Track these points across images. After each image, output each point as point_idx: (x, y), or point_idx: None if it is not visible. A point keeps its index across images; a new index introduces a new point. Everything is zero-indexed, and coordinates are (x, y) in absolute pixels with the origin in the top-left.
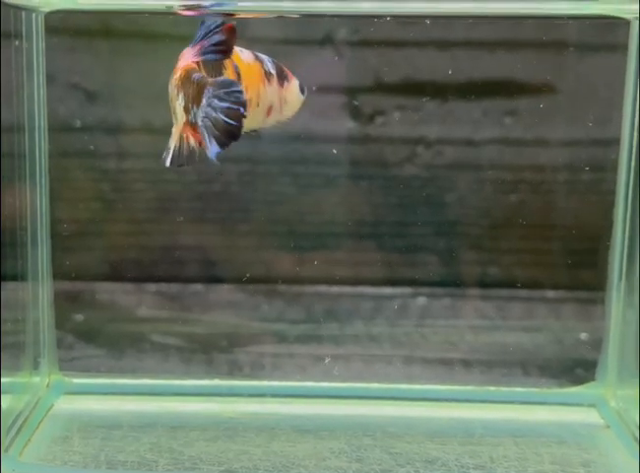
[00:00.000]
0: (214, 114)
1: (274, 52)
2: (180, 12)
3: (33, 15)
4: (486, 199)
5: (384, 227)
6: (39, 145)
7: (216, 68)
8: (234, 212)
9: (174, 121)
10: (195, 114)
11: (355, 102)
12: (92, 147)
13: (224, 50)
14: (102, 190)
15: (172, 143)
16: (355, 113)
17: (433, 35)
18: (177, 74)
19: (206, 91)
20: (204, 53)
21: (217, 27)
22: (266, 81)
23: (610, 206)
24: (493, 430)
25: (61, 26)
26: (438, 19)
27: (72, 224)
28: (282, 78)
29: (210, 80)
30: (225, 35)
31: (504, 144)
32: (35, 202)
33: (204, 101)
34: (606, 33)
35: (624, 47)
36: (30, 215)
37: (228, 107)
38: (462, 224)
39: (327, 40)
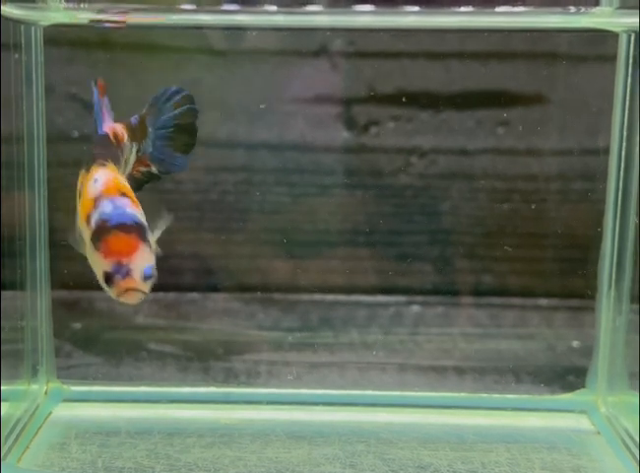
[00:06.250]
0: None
1: (269, 63)
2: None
3: (32, 28)
4: (480, 208)
5: (378, 235)
6: (38, 155)
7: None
8: (230, 221)
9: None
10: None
11: (350, 113)
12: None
13: None
14: None
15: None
16: (350, 123)
17: (426, 47)
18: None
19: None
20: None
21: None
22: None
23: (601, 215)
24: (485, 436)
25: (60, 38)
26: (432, 32)
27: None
28: None
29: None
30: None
31: (497, 154)
32: (34, 211)
33: (149, 130)
34: (595, 44)
35: (613, 59)
36: (28, 224)
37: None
38: (455, 232)
39: (322, 51)
